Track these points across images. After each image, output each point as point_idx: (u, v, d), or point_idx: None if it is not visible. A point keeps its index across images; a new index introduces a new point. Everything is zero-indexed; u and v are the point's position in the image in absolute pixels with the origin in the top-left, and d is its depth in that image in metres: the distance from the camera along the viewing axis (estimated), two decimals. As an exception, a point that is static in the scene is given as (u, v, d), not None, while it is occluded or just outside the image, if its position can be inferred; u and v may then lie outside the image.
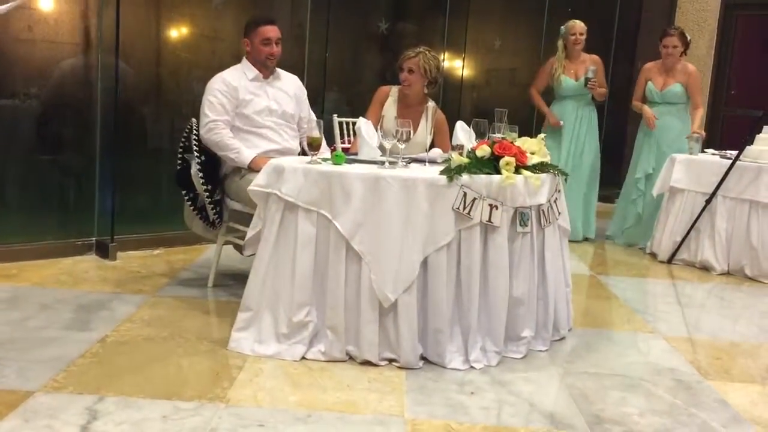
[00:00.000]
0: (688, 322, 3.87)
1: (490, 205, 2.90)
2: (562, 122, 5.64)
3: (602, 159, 5.89)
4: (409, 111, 3.95)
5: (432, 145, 3.68)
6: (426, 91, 3.98)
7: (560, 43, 5.65)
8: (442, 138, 3.94)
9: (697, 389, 2.91)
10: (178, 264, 4.33)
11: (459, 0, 6.40)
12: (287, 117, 3.83)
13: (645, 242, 5.49)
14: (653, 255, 5.31)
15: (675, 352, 3.34)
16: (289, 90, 3.89)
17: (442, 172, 2.90)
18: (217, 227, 3.81)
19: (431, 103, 4.02)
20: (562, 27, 5.64)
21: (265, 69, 3.79)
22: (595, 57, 5.68)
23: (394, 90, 4.05)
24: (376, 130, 3.38)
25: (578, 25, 5.57)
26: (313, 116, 3.98)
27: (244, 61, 3.80)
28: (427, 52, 3.92)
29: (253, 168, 3.52)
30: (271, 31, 3.73)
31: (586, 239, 5.78)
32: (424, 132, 3.90)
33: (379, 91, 4.10)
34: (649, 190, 5.44)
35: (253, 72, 3.76)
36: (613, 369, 3.07)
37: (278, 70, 3.89)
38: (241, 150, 3.60)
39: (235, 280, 3.94)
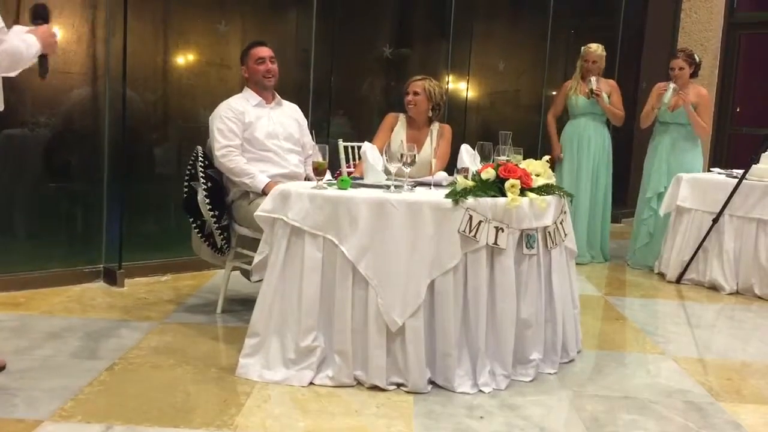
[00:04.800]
0: (698, 342, 3.84)
1: (496, 227, 2.90)
2: (562, 155, 5.69)
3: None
4: (416, 135, 4.01)
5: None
6: (430, 114, 4.04)
7: (579, 63, 5.69)
8: (443, 143, 4.05)
9: (708, 411, 2.89)
10: (185, 290, 4.33)
11: (462, 24, 6.45)
12: (293, 140, 3.87)
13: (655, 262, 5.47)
14: (661, 275, 5.29)
15: (685, 374, 3.31)
16: (292, 115, 3.96)
17: (447, 196, 2.90)
18: (225, 253, 3.82)
19: (437, 125, 4.08)
20: (582, 48, 5.66)
21: (266, 92, 3.85)
22: (611, 81, 5.72)
23: (402, 117, 4.12)
24: (382, 154, 3.40)
25: (592, 53, 5.58)
26: (314, 144, 4.04)
27: (246, 89, 3.87)
28: (432, 79, 4.06)
29: (266, 193, 3.56)
30: (263, 51, 3.83)
31: (605, 260, 5.79)
32: (428, 151, 3.96)
33: (387, 117, 4.15)
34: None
35: (255, 98, 3.83)
36: (623, 391, 3.05)
37: (279, 98, 3.95)
38: (256, 175, 3.64)
39: (243, 306, 3.94)
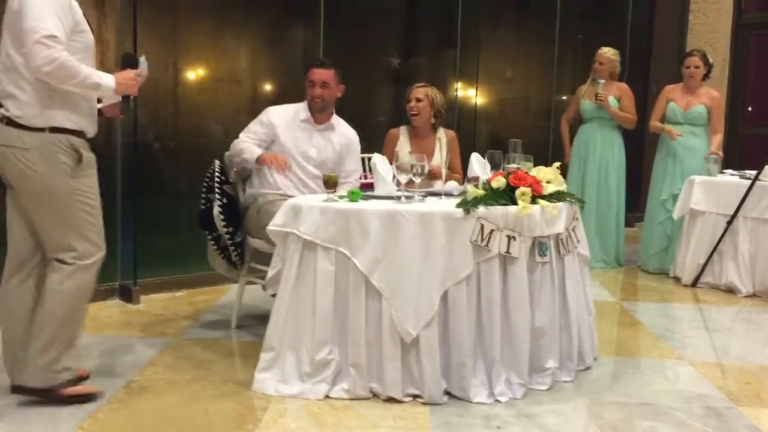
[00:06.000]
0: (715, 346, 3.81)
1: (508, 236, 2.90)
2: (568, 159, 5.73)
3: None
4: (422, 144, 4.01)
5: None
6: (433, 122, 4.06)
7: (593, 67, 5.70)
8: (452, 156, 4.07)
9: (728, 416, 2.86)
10: (201, 305, 4.35)
11: (469, 32, 6.46)
12: (325, 167, 3.78)
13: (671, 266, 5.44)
14: (677, 279, 5.26)
15: (704, 378, 3.29)
16: (337, 141, 3.87)
17: (458, 205, 2.90)
18: (239, 268, 3.83)
19: (442, 131, 4.09)
20: (597, 53, 5.68)
21: (315, 113, 3.80)
22: (623, 85, 5.69)
23: (404, 129, 4.13)
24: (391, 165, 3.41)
25: (602, 55, 5.59)
26: (357, 173, 3.99)
27: (305, 101, 3.85)
28: (433, 86, 4.09)
29: (259, 163, 3.64)
30: (315, 74, 3.77)
31: (619, 265, 5.77)
32: (438, 159, 3.97)
33: (389, 135, 4.17)
34: None
35: (305, 114, 3.80)
36: (641, 398, 3.03)
37: (337, 121, 3.91)
38: (251, 149, 3.67)
39: (258, 320, 3.95)
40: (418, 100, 4.02)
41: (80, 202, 2.74)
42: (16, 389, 2.78)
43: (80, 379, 2.99)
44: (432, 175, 3.68)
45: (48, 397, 2.75)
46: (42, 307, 2.73)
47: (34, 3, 2.53)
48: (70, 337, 2.81)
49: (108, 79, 2.73)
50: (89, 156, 2.82)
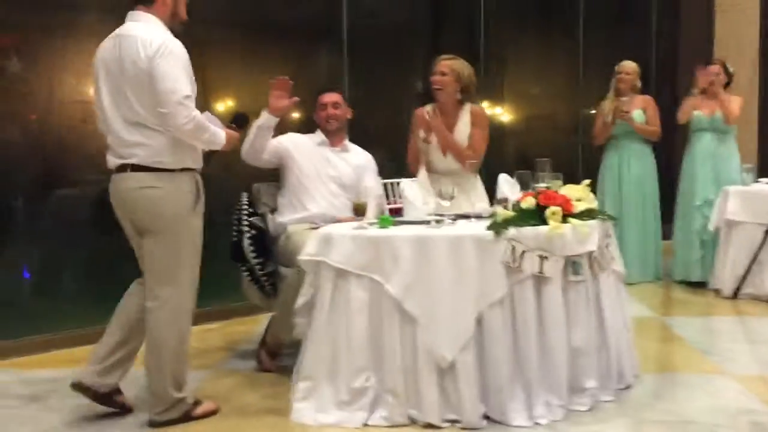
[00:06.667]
0: (759, 359, 3.73)
1: (540, 256, 2.88)
2: (627, 111, 5.53)
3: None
4: (445, 122, 3.87)
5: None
6: (459, 97, 3.86)
7: (612, 81, 5.67)
8: (474, 130, 3.86)
9: (776, 431, 2.79)
10: (236, 336, 4.38)
11: (493, 50, 6.47)
12: (345, 187, 3.85)
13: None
14: (717, 291, 5.16)
15: (748, 393, 3.21)
16: (352, 162, 3.94)
17: (488, 227, 2.89)
18: (271, 297, 3.85)
19: (468, 106, 3.87)
20: (616, 66, 5.68)
21: (331, 136, 3.90)
22: (647, 97, 5.68)
23: (430, 108, 3.93)
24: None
25: (625, 65, 5.63)
26: (377, 190, 3.97)
27: (317, 130, 3.97)
28: (462, 60, 3.89)
29: (272, 112, 3.63)
30: (325, 97, 3.92)
31: (657, 279, 5.70)
32: (461, 136, 3.86)
33: (415, 115, 3.99)
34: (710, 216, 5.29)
35: (320, 137, 3.91)
36: (685, 415, 2.97)
37: (350, 144, 3.99)
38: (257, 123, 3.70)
39: (294, 349, 3.94)
40: (443, 74, 3.82)
41: (192, 242, 2.91)
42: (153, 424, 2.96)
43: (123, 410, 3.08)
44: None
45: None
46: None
47: (168, 66, 2.70)
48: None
49: (222, 137, 2.91)
50: (203, 197, 2.97)
